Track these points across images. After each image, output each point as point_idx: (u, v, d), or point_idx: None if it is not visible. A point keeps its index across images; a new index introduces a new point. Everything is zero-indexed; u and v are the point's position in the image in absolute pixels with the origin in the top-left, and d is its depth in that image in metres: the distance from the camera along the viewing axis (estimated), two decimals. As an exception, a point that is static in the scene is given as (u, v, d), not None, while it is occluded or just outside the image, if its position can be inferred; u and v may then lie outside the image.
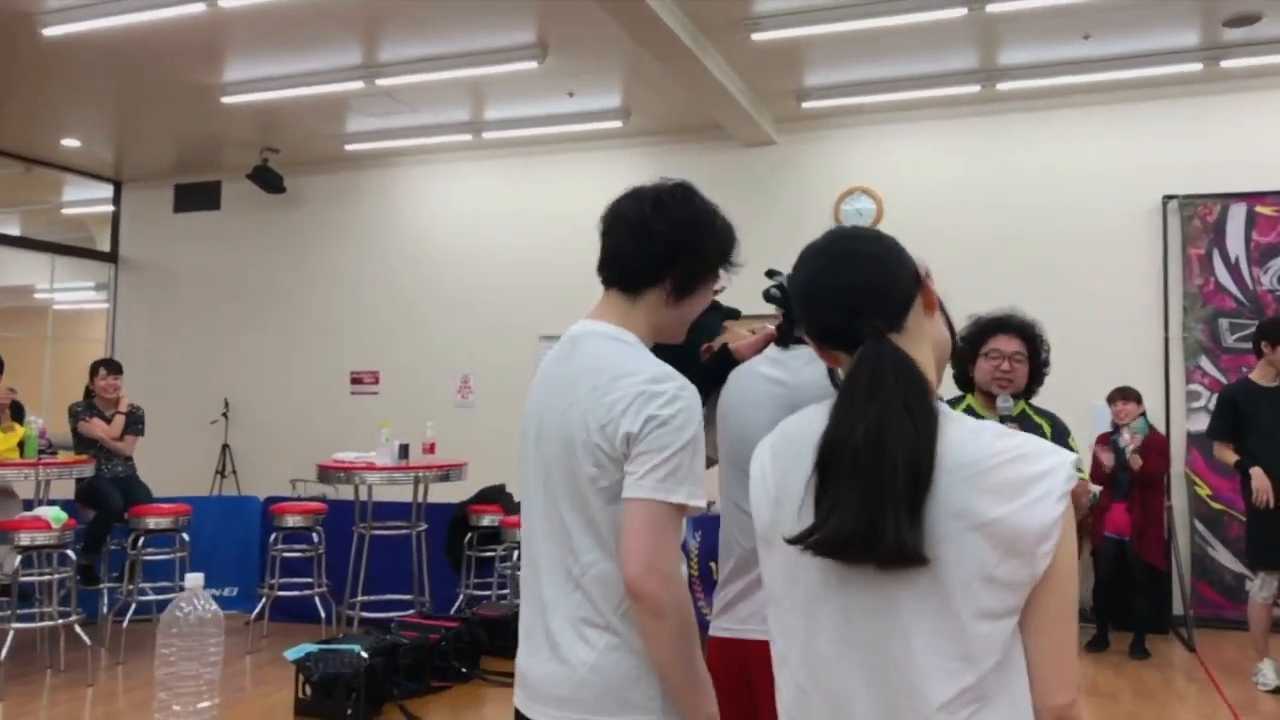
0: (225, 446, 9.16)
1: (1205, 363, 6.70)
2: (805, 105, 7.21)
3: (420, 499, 6.00)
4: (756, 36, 5.91)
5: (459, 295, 8.65)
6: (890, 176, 7.46)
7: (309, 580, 6.08)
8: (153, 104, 7.59)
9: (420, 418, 7.08)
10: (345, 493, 6.68)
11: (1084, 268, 6.88)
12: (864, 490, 1.12)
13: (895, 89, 6.92)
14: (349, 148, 8.51)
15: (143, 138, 8.63)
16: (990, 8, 5.47)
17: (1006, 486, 1.12)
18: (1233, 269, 6.69)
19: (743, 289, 1.97)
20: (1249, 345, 6.53)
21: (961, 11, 5.51)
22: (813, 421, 1.24)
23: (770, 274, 2.11)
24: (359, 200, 9.07)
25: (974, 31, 6.03)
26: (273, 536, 6.07)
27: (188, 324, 9.57)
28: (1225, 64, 6.36)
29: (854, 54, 6.41)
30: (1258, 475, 4.93)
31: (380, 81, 6.81)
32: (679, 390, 1.52)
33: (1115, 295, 6.80)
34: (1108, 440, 5.89)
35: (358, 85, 6.89)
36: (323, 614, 5.92)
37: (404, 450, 5.72)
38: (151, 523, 5.90)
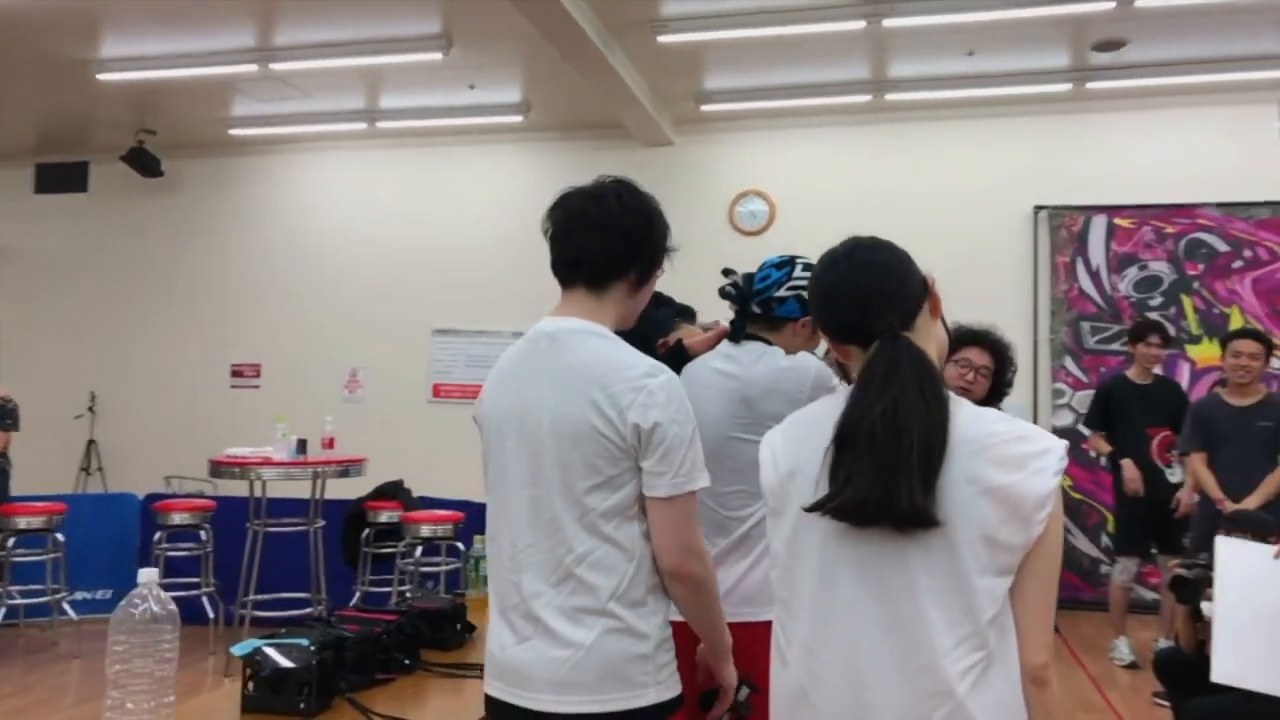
0: (91, 442, 8.69)
1: (1069, 363, 7.20)
2: (704, 108, 7.37)
3: (318, 495, 5.86)
4: (663, 39, 6.02)
5: (348, 287, 8.44)
6: (783, 180, 7.70)
7: (196, 580, 5.86)
8: (17, 78, 7.12)
9: (305, 412, 6.89)
10: (225, 489, 6.44)
11: (962, 271, 7.19)
12: (880, 462, 1.26)
13: (791, 96, 7.15)
14: (234, 132, 8.18)
15: (1, 113, 8.07)
16: (886, 22, 5.72)
17: (1010, 460, 1.27)
18: (1094, 276, 7.20)
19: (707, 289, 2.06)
20: (1108, 347, 7.09)
21: (860, 24, 5.75)
22: (823, 408, 1.39)
23: (726, 273, 2.21)
24: (243, 187, 8.73)
25: (868, 44, 6.30)
26: (156, 535, 5.82)
27: (48, 312, 9.00)
28: (1090, 85, 6.83)
29: (753, 60, 6.59)
30: (1128, 466, 5.30)
31: (274, 66, 6.58)
32: (672, 383, 1.62)
33: (990, 298, 7.15)
34: None
35: (250, 69, 6.64)
36: (211, 614, 5.72)
37: (302, 445, 5.57)
38: (22, 522, 5.57)
